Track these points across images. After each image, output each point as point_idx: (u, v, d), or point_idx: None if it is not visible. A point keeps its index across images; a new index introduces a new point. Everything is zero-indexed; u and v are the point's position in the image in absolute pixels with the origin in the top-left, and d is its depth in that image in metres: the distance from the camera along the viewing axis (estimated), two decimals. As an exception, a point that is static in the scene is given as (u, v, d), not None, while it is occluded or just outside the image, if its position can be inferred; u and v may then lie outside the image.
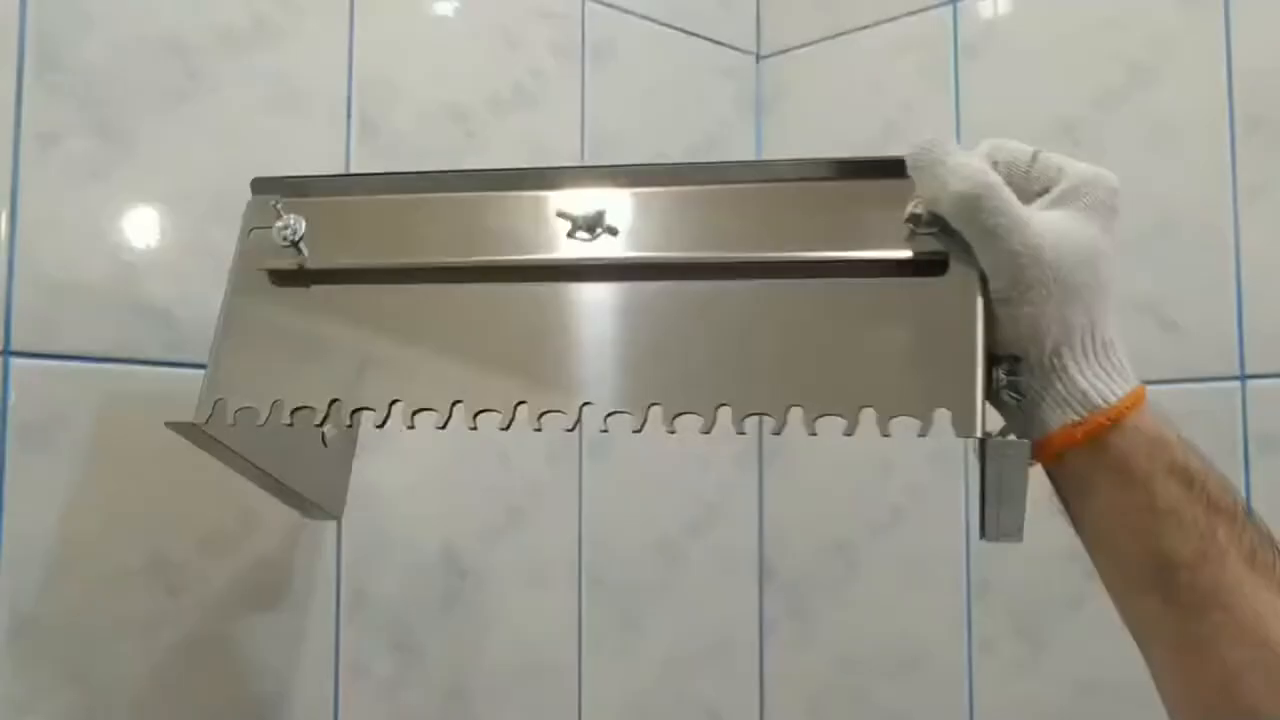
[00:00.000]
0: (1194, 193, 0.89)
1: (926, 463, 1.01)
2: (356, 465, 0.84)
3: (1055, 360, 0.51)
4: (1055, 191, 0.52)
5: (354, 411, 0.58)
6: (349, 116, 0.87)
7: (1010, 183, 0.52)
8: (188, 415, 0.76)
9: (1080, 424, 0.51)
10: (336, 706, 0.83)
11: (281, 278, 0.63)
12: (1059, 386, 0.51)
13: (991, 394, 0.52)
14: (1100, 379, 0.51)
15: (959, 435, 0.50)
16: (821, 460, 1.10)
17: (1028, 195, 0.53)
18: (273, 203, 0.63)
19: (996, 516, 0.53)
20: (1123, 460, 0.51)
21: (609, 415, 0.55)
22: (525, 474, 0.95)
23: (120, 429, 0.75)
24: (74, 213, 0.74)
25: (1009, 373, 0.52)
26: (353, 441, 0.80)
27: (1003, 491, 0.52)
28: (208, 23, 0.80)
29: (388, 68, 0.89)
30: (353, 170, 0.86)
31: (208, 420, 0.60)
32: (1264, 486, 0.85)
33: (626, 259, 0.58)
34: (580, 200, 0.59)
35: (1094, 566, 0.53)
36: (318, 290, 0.62)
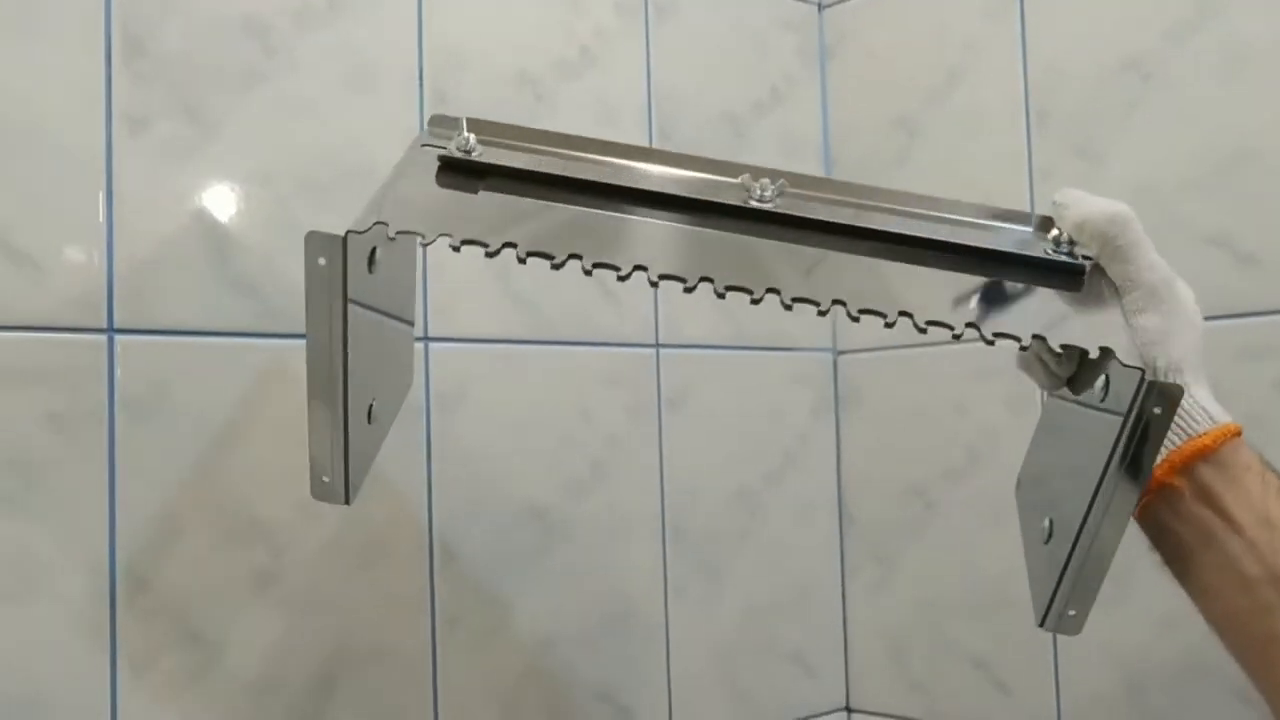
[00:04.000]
0: (1269, 122, 0.88)
1: (1002, 406, 1.01)
2: (442, 424, 0.87)
3: (1176, 374, 0.57)
4: None
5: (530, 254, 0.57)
6: (420, 87, 0.88)
7: None
8: (279, 383, 0.80)
9: (1205, 433, 0.57)
10: (435, 657, 0.86)
11: (451, 164, 0.62)
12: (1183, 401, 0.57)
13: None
14: (1212, 402, 0.58)
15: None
16: (897, 406, 1.10)
17: None
18: (454, 122, 0.65)
19: (1063, 609, 0.60)
20: (1242, 470, 0.56)
21: (727, 289, 0.57)
22: (605, 428, 0.97)
23: (218, 397, 0.78)
24: (165, 193, 0.77)
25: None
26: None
27: (1081, 577, 0.59)
28: (282, 1, 0.82)
29: (456, 37, 0.91)
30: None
31: (366, 231, 0.58)
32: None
33: (794, 215, 0.62)
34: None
35: (1203, 610, 0.60)
36: (483, 196, 0.62)
